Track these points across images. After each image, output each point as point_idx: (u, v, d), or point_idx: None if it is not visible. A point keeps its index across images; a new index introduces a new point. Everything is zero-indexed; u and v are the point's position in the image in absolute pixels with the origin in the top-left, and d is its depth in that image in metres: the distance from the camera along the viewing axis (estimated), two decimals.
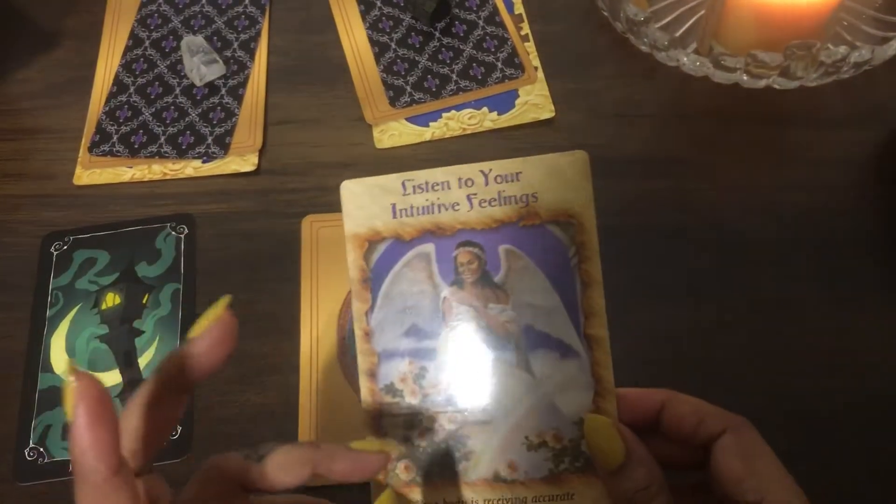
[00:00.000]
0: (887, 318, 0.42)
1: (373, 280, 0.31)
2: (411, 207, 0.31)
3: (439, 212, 0.31)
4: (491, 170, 0.31)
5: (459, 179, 0.31)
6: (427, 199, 0.31)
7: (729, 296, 0.43)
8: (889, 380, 0.40)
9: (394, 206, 0.31)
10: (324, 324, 0.41)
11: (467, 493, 0.30)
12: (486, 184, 0.31)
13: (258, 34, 0.52)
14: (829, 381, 0.40)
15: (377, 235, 0.31)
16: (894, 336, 0.41)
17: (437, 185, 0.31)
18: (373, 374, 0.31)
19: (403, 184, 0.31)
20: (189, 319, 0.42)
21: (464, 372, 0.31)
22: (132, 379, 0.40)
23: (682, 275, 0.43)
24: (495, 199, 0.31)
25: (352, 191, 0.32)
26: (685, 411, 0.29)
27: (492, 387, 0.31)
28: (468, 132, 0.48)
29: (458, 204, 0.31)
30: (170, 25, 0.53)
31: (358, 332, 0.31)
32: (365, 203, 0.31)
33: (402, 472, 0.31)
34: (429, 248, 0.31)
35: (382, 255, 0.31)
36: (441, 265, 0.31)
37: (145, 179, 0.47)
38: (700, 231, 0.45)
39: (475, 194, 0.31)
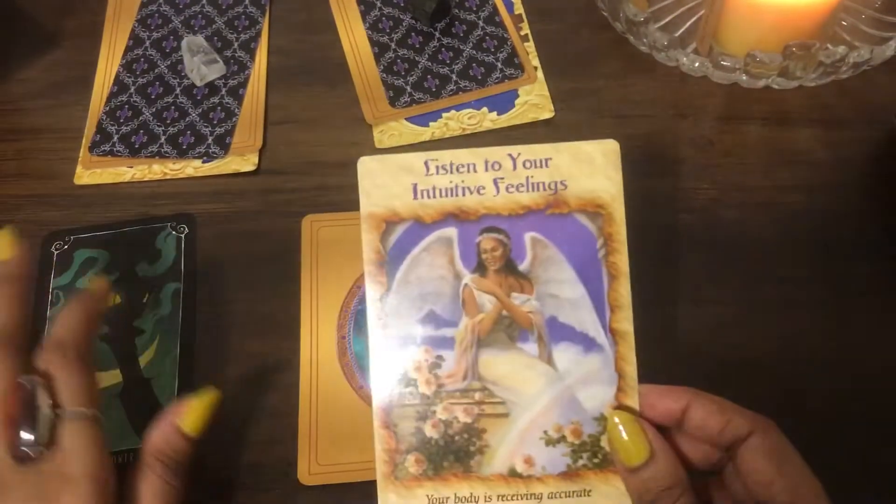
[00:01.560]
0: (887, 319, 0.42)
1: (389, 263, 0.30)
2: (434, 189, 0.30)
3: (463, 195, 0.29)
4: (520, 154, 0.30)
5: (486, 162, 0.29)
6: (451, 181, 0.30)
7: (728, 296, 0.43)
8: (889, 380, 0.40)
9: (415, 186, 0.29)
10: (324, 324, 0.41)
11: (480, 488, 0.29)
12: (514, 168, 0.29)
13: (258, 34, 0.52)
14: (828, 381, 0.40)
15: (396, 216, 0.30)
16: (894, 336, 0.41)
17: (463, 166, 0.30)
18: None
19: (426, 163, 0.30)
20: (189, 319, 0.42)
21: (483, 363, 0.29)
22: (132, 378, 0.40)
23: (682, 275, 0.43)
24: (523, 185, 0.29)
25: (370, 168, 0.30)
26: (712, 410, 0.29)
27: (512, 379, 0.29)
28: (468, 132, 0.48)
29: (483, 187, 0.29)
30: (170, 25, 0.53)
31: (371, 318, 0.30)
32: (384, 181, 0.30)
33: (411, 466, 0.29)
34: (451, 232, 0.30)
35: (401, 237, 0.30)
36: (463, 251, 0.30)
37: (146, 179, 0.47)
38: (700, 231, 0.45)
39: (502, 178, 0.29)
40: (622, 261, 0.30)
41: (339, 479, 0.37)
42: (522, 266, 0.30)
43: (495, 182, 0.30)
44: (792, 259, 0.44)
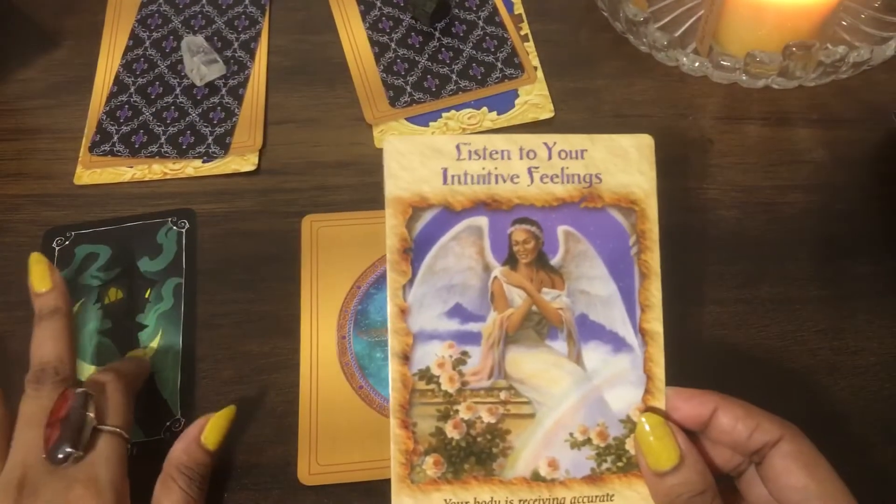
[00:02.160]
0: (887, 319, 0.42)
1: (414, 251, 0.28)
2: (465, 174, 0.28)
3: (496, 182, 0.28)
4: (555, 143, 0.28)
5: (521, 150, 0.28)
6: (483, 167, 0.28)
7: (728, 296, 0.43)
8: (889, 380, 0.40)
9: (445, 170, 0.28)
10: (324, 324, 0.41)
11: (502, 492, 0.28)
12: (550, 158, 0.28)
13: (258, 34, 0.52)
14: (828, 381, 0.40)
15: (423, 202, 0.28)
16: (894, 336, 0.41)
17: (496, 153, 0.28)
18: (406, 357, 0.28)
19: (458, 147, 0.28)
20: (191, 313, 0.42)
21: (510, 360, 0.28)
22: None
23: (682, 275, 0.43)
24: (557, 176, 0.28)
25: (398, 149, 0.28)
26: (741, 415, 0.28)
27: (539, 378, 0.28)
28: (468, 132, 0.48)
29: (517, 176, 0.28)
30: (170, 25, 0.53)
31: (392, 309, 0.28)
32: (412, 164, 0.28)
33: (429, 468, 0.28)
34: (481, 221, 0.28)
35: (428, 224, 0.28)
36: (494, 241, 0.28)
37: (146, 179, 0.47)
38: (700, 231, 0.45)
39: (537, 168, 0.28)
40: (654, 259, 0.29)
41: (340, 479, 0.37)
42: (554, 260, 0.29)
43: (529, 171, 0.28)
44: (792, 259, 0.44)
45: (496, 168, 0.28)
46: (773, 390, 0.40)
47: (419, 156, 0.28)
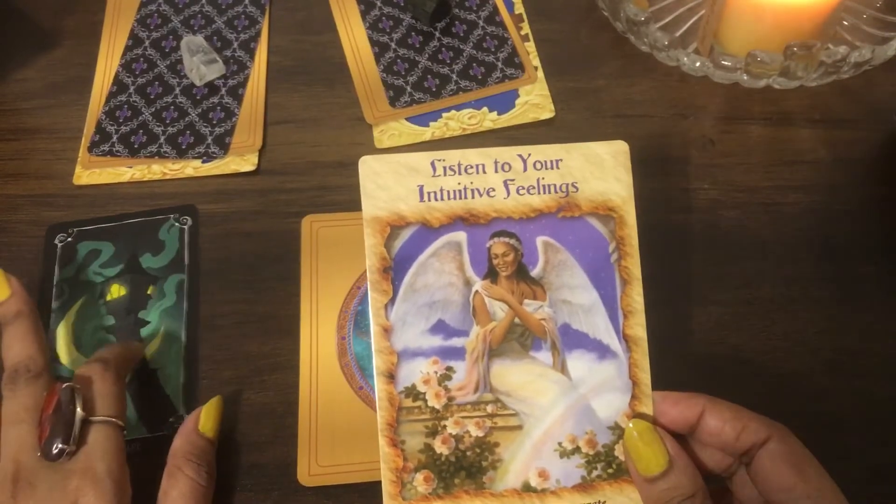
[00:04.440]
0: (888, 319, 0.42)
1: (395, 270, 0.28)
2: (441, 190, 0.28)
3: (473, 197, 0.28)
4: (530, 154, 0.29)
5: (496, 163, 0.28)
6: (459, 183, 0.28)
7: (728, 296, 0.43)
8: (891, 381, 0.40)
9: (421, 188, 0.28)
10: (324, 324, 0.41)
11: None
12: (525, 169, 0.28)
13: (258, 34, 0.52)
14: (828, 381, 0.40)
15: (401, 220, 0.28)
16: (894, 336, 0.41)
17: (472, 167, 0.28)
18: (391, 376, 0.28)
19: (433, 164, 0.28)
20: (194, 309, 0.42)
21: (495, 374, 0.29)
22: (138, 368, 0.40)
23: (682, 275, 0.43)
24: (534, 187, 0.28)
25: (373, 168, 0.28)
26: (728, 417, 0.28)
27: (525, 390, 0.28)
28: (468, 132, 0.48)
29: (493, 189, 0.28)
30: (170, 25, 0.53)
31: (375, 328, 0.28)
32: (388, 183, 0.28)
33: (420, 485, 0.28)
34: (460, 236, 0.28)
35: (407, 242, 0.28)
36: (473, 256, 0.28)
37: (145, 179, 0.47)
38: (700, 231, 0.45)
39: (513, 180, 0.28)
40: (634, 265, 0.29)
41: (339, 480, 0.37)
42: (534, 271, 0.29)
43: (505, 184, 0.29)
44: (792, 259, 0.44)
45: (472, 182, 0.28)
46: (774, 391, 0.40)
47: (394, 174, 0.28)
